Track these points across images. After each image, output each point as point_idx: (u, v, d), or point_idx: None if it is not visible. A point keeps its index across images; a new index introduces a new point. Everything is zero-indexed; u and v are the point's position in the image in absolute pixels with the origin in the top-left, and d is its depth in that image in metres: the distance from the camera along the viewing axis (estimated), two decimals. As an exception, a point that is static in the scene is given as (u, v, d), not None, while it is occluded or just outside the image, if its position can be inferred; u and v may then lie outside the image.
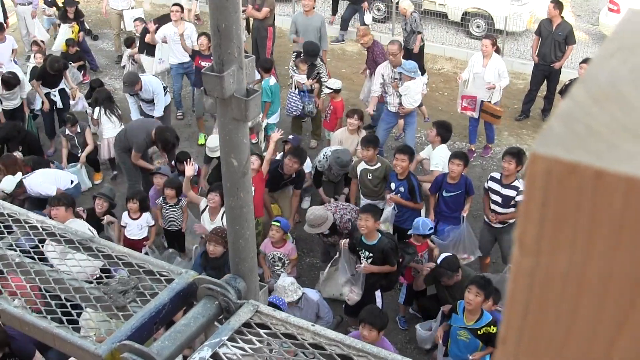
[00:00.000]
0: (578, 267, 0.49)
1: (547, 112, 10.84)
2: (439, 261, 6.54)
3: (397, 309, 7.37)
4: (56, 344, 2.15)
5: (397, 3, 13.61)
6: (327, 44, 11.23)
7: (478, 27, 13.62)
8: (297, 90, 9.71)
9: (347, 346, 2.02)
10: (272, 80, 9.65)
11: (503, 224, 7.32)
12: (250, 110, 2.20)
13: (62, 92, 10.15)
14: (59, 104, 10.11)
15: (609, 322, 0.49)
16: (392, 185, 7.59)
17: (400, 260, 6.79)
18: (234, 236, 2.45)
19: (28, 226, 2.47)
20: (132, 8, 12.92)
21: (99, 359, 2.00)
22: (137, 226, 7.65)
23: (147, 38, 10.79)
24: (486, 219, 7.49)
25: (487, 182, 7.42)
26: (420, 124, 10.01)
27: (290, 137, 8.74)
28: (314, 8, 11.05)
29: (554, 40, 10.34)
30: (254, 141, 9.53)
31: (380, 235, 6.55)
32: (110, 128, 9.22)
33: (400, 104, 9.06)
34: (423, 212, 8.29)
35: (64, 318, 2.18)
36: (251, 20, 11.86)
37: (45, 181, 8.04)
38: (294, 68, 9.86)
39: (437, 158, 8.21)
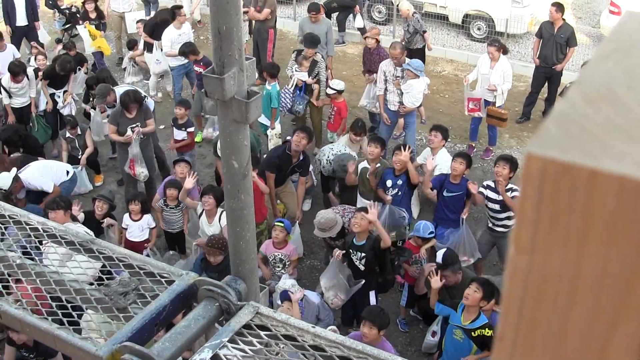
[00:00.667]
0: (572, 265, 0.49)
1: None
2: (440, 259, 6.51)
3: (398, 311, 7.37)
4: (57, 346, 2.15)
5: (397, 5, 13.65)
6: (333, 49, 11.26)
7: (479, 29, 13.63)
8: (292, 87, 9.66)
9: (347, 348, 2.03)
10: (277, 86, 9.68)
11: (505, 228, 7.32)
12: (251, 112, 2.20)
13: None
14: (61, 105, 10.12)
15: (603, 320, 0.50)
16: (389, 182, 7.57)
17: (396, 262, 6.81)
18: (235, 238, 2.45)
19: (29, 227, 2.47)
20: (133, 10, 12.94)
21: (100, 360, 2.00)
22: (138, 228, 7.66)
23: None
24: (489, 224, 7.48)
25: (484, 189, 7.39)
26: (418, 126, 10.00)
27: (288, 138, 8.73)
28: (321, 17, 11.05)
29: (555, 42, 10.35)
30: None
31: (369, 236, 6.60)
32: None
33: (401, 102, 9.08)
34: (416, 211, 8.31)
35: (64, 319, 2.18)
36: (253, 22, 11.86)
37: (42, 175, 8.05)
38: (294, 67, 9.79)
39: (438, 161, 8.22)
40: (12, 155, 8.60)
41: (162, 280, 2.33)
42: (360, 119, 9.10)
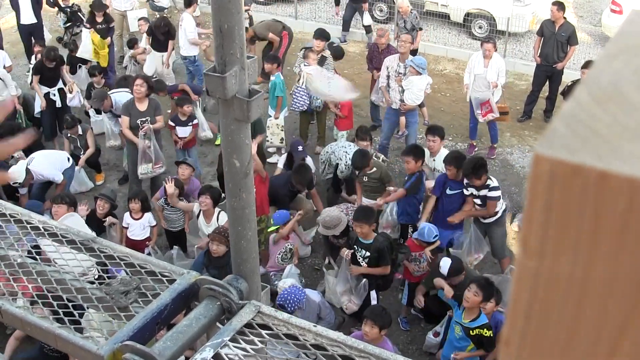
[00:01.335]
0: (582, 269, 0.48)
1: (549, 113, 10.83)
2: (444, 269, 6.49)
3: (399, 310, 7.37)
4: (58, 345, 2.15)
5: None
6: None
7: (480, 28, 13.61)
8: (304, 84, 9.57)
9: (349, 347, 2.02)
10: (281, 76, 9.67)
11: (491, 217, 7.33)
12: (253, 110, 2.20)
13: (61, 92, 10.11)
14: (58, 104, 10.04)
15: (613, 325, 0.49)
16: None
17: (394, 258, 6.82)
18: (236, 237, 2.45)
19: (30, 226, 2.47)
20: (134, 8, 12.93)
21: (101, 359, 2.00)
22: (140, 226, 7.65)
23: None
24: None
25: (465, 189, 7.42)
26: (421, 126, 9.99)
27: (299, 148, 8.64)
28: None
29: (556, 41, 10.34)
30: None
31: (375, 235, 6.60)
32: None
33: (402, 100, 9.07)
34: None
35: (66, 318, 2.18)
36: (252, 18, 11.88)
37: (50, 165, 8.08)
38: (302, 63, 9.72)
39: (440, 163, 8.24)
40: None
41: (164, 279, 2.32)
42: (364, 126, 9.08)
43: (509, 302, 0.54)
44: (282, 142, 9.77)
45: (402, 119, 9.37)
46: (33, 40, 11.55)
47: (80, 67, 11.42)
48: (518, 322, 0.52)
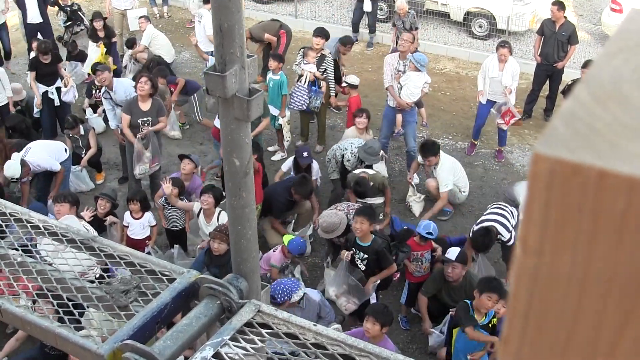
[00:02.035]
0: (581, 267, 0.48)
1: (550, 112, 10.83)
2: (452, 255, 6.50)
3: (399, 309, 7.37)
4: (58, 344, 2.15)
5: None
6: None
7: (480, 27, 13.61)
8: (305, 83, 9.55)
9: (349, 346, 2.02)
10: (284, 74, 9.69)
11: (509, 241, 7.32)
12: (253, 109, 2.20)
13: (60, 91, 10.09)
14: (57, 102, 10.00)
15: (612, 324, 0.49)
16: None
17: (394, 258, 6.81)
18: (236, 236, 2.45)
19: (30, 225, 2.47)
20: (134, 7, 12.92)
21: (101, 358, 2.00)
22: (140, 226, 7.65)
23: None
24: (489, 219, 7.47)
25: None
26: (419, 129, 9.97)
27: (305, 154, 8.60)
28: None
29: (557, 40, 10.33)
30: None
31: (373, 237, 6.58)
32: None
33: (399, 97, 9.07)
34: (418, 210, 8.30)
35: (65, 317, 2.18)
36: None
37: (48, 155, 8.05)
38: (302, 62, 9.70)
39: (444, 178, 8.25)
40: (12, 141, 8.59)
41: (164, 278, 2.32)
42: (362, 107, 9.14)
43: (508, 300, 0.54)
44: (287, 141, 9.81)
45: (399, 117, 9.34)
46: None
47: (79, 63, 11.43)
48: (517, 321, 0.52)
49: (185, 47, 13.58)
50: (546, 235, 0.49)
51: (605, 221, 0.47)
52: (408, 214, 8.77)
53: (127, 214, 7.69)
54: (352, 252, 6.69)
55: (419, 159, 8.68)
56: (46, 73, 9.93)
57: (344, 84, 9.63)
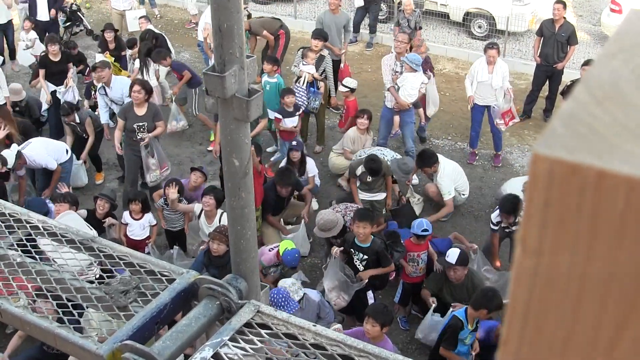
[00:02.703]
0: (580, 268, 0.48)
1: (549, 113, 10.82)
2: (452, 258, 6.50)
3: (398, 309, 7.37)
4: (57, 344, 2.15)
5: (398, 3, 13.63)
6: (348, 38, 11.38)
7: (480, 27, 13.62)
8: (304, 84, 9.54)
9: (348, 346, 2.02)
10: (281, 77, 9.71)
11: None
12: (252, 110, 2.20)
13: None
14: (63, 91, 10.04)
15: (611, 324, 0.49)
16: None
17: (390, 257, 6.82)
18: (235, 236, 2.45)
19: (29, 226, 2.47)
20: (133, 8, 12.92)
21: (101, 358, 2.00)
22: (139, 226, 7.65)
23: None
24: (496, 222, 7.47)
25: (494, 223, 7.39)
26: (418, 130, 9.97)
27: (294, 143, 8.66)
28: (340, 6, 10.99)
29: (556, 41, 10.33)
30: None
31: (372, 238, 6.58)
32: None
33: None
34: (418, 209, 8.31)
35: (65, 318, 2.18)
36: (251, 16, 11.88)
37: (45, 152, 8.05)
38: (300, 63, 9.69)
39: (446, 186, 8.24)
40: (23, 120, 8.65)
41: (163, 278, 2.32)
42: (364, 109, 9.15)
43: (508, 300, 0.54)
44: None
45: (396, 118, 9.32)
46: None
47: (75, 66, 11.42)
48: (516, 321, 0.52)
49: (185, 47, 13.59)
50: (545, 235, 0.49)
51: (605, 221, 0.47)
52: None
53: (126, 213, 7.68)
54: (341, 248, 6.69)
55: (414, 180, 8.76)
56: (55, 72, 9.96)
57: (342, 88, 9.59)
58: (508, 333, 0.53)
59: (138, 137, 8.34)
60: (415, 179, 8.92)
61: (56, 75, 9.99)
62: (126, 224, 7.66)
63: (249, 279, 2.42)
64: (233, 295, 2.23)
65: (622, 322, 0.49)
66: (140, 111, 8.33)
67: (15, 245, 2.42)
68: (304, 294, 6.47)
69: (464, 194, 8.74)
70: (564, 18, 10.46)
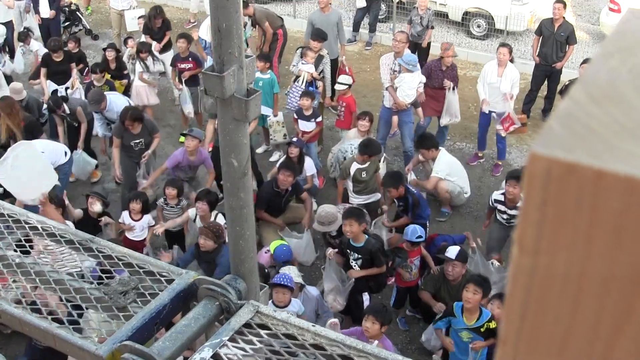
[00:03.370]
0: (577, 267, 0.48)
1: (548, 113, 10.82)
2: (452, 254, 6.51)
3: (397, 310, 7.36)
4: (57, 345, 2.15)
5: (397, 2, 13.63)
6: (344, 38, 11.19)
7: (479, 27, 13.62)
8: (303, 84, 9.53)
9: (347, 346, 2.02)
10: (274, 73, 9.70)
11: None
12: (251, 110, 2.20)
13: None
14: (70, 92, 10.02)
15: (609, 323, 0.49)
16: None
17: (391, 263, 6.80)
18: (234, 236, 2.45)
19: (28, 227, 2.47)
20: (132, 8, 12.89)
21: (100, 359, 2.00)
22: (139, 227, 7.64)
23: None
24: (499, 219, 7.47)
25: (493, 202, 7.41)
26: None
27: (294, 139, 8.68)
28: (330, 4, 10.97)
29: (555, 40, 10.33)
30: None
31: (367, 237, 6.58)
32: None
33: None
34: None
35: (64, 318, 2.18)
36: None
37: (46, 154, 8.03)
38: (299, 62, 9.68)
39: (440, 165, 8.24)
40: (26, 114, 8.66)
41: (162, 279, 2.32)
42: (366, 111, 9.15)
43: (505, 300, 0.54)
44: (285, 138, 9.77)
45: (395, 118, 9.30)
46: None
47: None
48: (514, 321, 0.52)
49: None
50: (543, 235, 0.49)
51: (602, 221, 0.47)
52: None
53: (125, 214, 7.67)
54: (336, 250, 6.71)
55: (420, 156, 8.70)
56: (58, 71, 9.93)
57: (339, 86, 9.56)
58: (506, 332, 0.54)
59: (136, 149, 8.40)
60: (412, 175, 8.87)
61: (58, 74, 9.98)
62: (122, 223, 7.64)
63: (248, 279, 2.42)
64: (232, 295, 2.23)
65: (620, 322, 0.49)
66: (136, 130, 8.33)
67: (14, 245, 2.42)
68: (304, 286, 6.50)
69: (466, 193, 8.72)
70: (563, 17, 10.46)
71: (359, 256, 6.58)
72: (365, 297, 6.80)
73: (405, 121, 9.29)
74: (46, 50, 10.39)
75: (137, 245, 7.35)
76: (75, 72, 10.23)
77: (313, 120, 9.02)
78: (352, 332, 5.74)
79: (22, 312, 2.17)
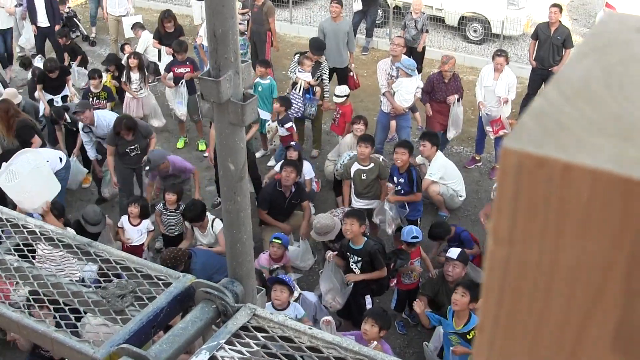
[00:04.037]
0: (549, 256, 0.51)
1: (545, 116, 10.83)
2: (454, 254, 6.53)
3: (396, 313, 7.38)
4: (54, 348, 2.16)
5: (394, 7, 13.68)
6: (354, 46, 11.27)
7: (475, 31, 13.66)
8: (300, 91, 9.57)
9: (344, 349, 2.04)
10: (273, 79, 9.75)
11: None
12: (247, 114, 2.22)
13: (65, 100, 10.12)
14: None
15: (579, 309, 0.51)
16: (395, 179, 7.78)
17: (392, 264, 6.82)
18: (231, 240, 2.47)
19: (26, 231, 2.48)
20: (129, 14, 12.93)
21: (98, 362, 2.01)
22: (137, 232, 7.65)
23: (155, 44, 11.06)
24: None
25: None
26: (415, 134, 9.95)
27: (293, 142, 8.71)
28: (341, 14, 11.01)
29: (552, 44, 10.36)
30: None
31: (366, 239, 6.60)
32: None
33: None
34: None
35: (62, 322, 2.19)
36: (250, 24, 11.88)
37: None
38: (296, 69, 9.73)
39: (435, 167, 8.26)
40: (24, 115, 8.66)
41: (160, 282, 2.34)
42: (366, 134, 9.14)
43: (482, 289, 0.56)
44: (271, 144, 9.83)
45: (393, 123, 9.33)
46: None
47: (71, 63, 11.47)
48: (491, 309, 0.54)
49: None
50: (516, 226, 0.51)
51: (571, 211, 0.49)
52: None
53: (124, 218, 7.66)
54: (335, 253, 6.73)
55: (418, 159, 8.73)
56: (54, 85, 10.07)
57: (336, 99, 9.57)
58: (483, 320, 0.56)
59: (132, 155, 8.34)
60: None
61: (54, 87, 10.13)
62: (121, 227, 7.63)
63: (245, 282, 2.43)
64: (229, 298, 2.24)
65: (590, 308, 0.51)
66: (129, 137, 8.22)
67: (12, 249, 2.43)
68: (300, 294, 6.51)
69: (461, 196, 8.73)
70: (559, 21, 10.50)
71: (359, 258, 6.59)
72: (368, 300, 6.80)
73: (403, 126, 9.32)
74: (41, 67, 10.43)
75: (136, 250, 7.36)
76: (70, 84, 10.31)
77: (282, 125, 9.13)
78: (350, 335, 5.75)
79: (20, 315, 2.18)
